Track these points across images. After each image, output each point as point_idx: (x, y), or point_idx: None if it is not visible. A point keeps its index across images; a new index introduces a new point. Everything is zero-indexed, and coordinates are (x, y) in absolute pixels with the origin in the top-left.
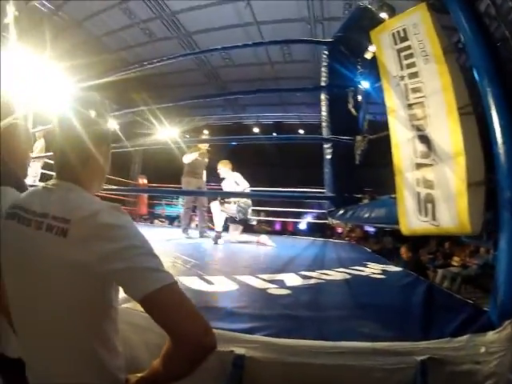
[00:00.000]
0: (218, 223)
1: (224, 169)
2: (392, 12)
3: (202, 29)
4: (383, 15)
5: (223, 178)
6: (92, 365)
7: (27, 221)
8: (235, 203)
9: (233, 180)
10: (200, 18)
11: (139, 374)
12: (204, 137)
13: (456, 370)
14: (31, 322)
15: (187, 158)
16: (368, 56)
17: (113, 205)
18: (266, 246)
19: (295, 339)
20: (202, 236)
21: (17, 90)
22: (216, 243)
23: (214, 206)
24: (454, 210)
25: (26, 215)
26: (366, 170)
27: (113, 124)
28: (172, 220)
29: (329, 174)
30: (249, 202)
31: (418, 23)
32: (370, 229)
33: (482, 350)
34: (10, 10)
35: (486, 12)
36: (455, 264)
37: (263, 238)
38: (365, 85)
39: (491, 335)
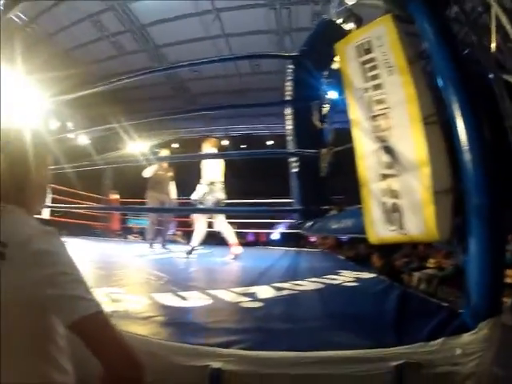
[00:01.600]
0: (198, 238)
1: (207, 148)
2: (359, 22)
3: (171, 42)
4: (350, 26)
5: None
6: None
7: None
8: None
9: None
10: (168, 31)
11: None
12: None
13: (433, 373)
14: None
15: (146, 172)
16: (335, 66)
17: (47, 229)
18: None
19: (270, 351)
20: (163, 248)
21: None
22: (187, 257)
23: (200, 220)
24: (420, 219)
25: None
26: (338, 179)
27: (84, 140)
28: (145, 234)
29: (296, 187)
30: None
31: (382, 35)
32: (343, 236)
33: (458, 351)
34: None
35: (455, 18)
36: (431, 266)
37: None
38: (333, 95)
39: (466, 337)
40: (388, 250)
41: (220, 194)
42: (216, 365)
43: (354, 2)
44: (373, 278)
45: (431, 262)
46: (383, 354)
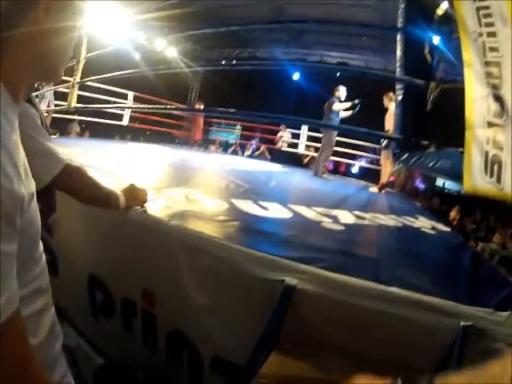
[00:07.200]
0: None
1: (385, 102)
2: None
3: None
4: None
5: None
6: None
7: None
8: None
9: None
10: None
11: None
12: None
13: (491, 346)
14: None
15: (338, 107)
16: (440, 12)
17: None
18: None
19: (350, 277)
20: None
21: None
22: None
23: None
24: None
25: None
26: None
27: (172, 52)
28: (226, 147)
29: (398, 115)
30: None
31: None
32: (421, 185)
33: None
34: None
35: None
36: (495, 241)
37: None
38: (435, 40)
39: None
40: (464, 210)
41: None
42: (291, 281)
43: None
44: (449, 231)
45: (496, 237)
46: (457, 310)
